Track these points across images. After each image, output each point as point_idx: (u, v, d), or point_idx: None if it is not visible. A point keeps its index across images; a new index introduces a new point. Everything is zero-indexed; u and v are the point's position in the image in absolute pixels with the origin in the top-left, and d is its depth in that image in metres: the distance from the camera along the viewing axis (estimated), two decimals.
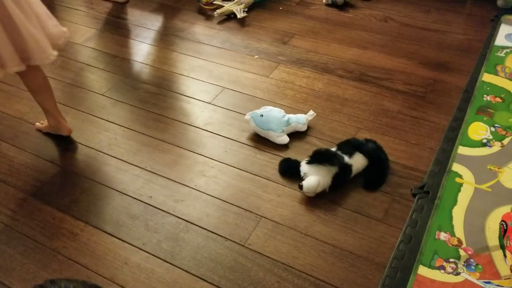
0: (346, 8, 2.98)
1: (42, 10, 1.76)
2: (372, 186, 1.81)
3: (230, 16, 2.93)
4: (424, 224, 1.64)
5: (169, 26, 2.93)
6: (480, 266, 1.50)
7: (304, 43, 2.67)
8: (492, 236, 1.59)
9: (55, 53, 1.80)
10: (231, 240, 1.65)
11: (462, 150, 1.91)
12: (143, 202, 1.80)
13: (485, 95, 2.18)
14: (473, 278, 1.47)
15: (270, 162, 1.93)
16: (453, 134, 2.00)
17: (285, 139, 2.00)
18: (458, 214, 1.67)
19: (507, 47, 2.48)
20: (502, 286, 1.45)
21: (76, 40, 2.79)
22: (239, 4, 2.92)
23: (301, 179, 1.78)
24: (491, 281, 1.46)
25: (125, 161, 1.97)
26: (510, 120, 2.04)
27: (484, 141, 1.95)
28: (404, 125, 2.09)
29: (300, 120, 2.04)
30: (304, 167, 1.79)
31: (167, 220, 1.73)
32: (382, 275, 1.51)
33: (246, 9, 2.93)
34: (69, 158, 2.01)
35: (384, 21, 2.84)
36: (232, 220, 1.72)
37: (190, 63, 2.56)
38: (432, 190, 1.76)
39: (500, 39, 2.55)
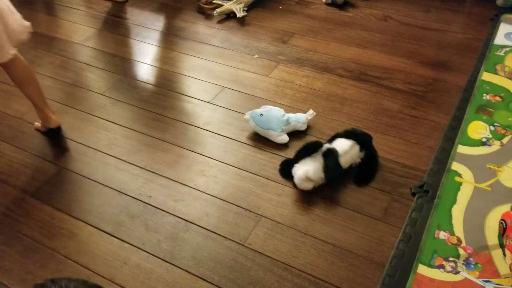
0: (346, 7, 2.97)
1: (4, 5, 1.76)
2: (363, 180, 1.83)
3: (229, 15, 2.93)
4: (423, 223, 1.64)
5: (169, 25, 2.93)
6: (479, 265, 1.50)
7: (304, 42, 2.67)
8: (491, 235, 1.59)
9: (13, 51, 1.82)
10: (230, 240, 1.65)
11: (461, 149, 1.91)
12: (143, 201, 1.80)
13: (484, 94, 2.18)
14: (472, 277, 1.47)
15: (270, 161, 1.93)
16: (453, 133, 1.99)
17: (284, 139, 2.00)
18: (458, 213, 1.67)
19: (506, 46, 2.48)
20: (502, 285, 1.45)
21: (76, 39, 2.79)
22: (238, 3, 2.92)
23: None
24: (490, 280, 1.46)
25: (124, 161, 1.97)
26: (509, 119, 2.04)
27: (484, 140, 1.95)
28: (404, 124, 2.09)
29: (299, 119, 2.04)
30: (295, 169, 1.81)
31: (167, 220, 1.73)
32: (381, 274, 1.51)
33: (245, 8, 2.93)
34: (68, 158, 2.01)
35: (384, 20, 2.84)
36: (232, 219, 1.72)
37: (190, 63, 2.56)
38: (431, 189, 1.76)
39: (500, 38, 2.55)
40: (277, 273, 1.54)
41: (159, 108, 2.25)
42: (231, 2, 2.93)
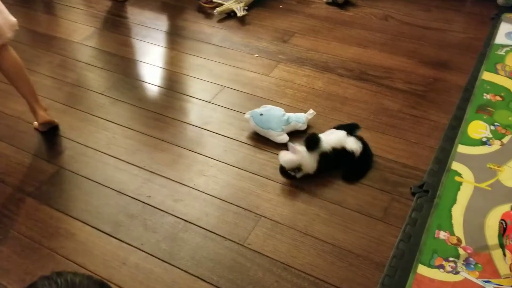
0: (347, 6, 2.97)
1: None
2: (351, 177, 1.84)
3: (230, 15, 2.92)
4: (423, 223, 1.64)
5: (169, 25, 2.93)
6: (479, 265, 1.50)
7: (304, 41, 2.66)
8: (491, 235, 1.58)
9: None
10: (230, 240, 1.64)
11: (461, 148, 1.91)
12: (142, 201, 1.79)
13: (485, 94, 2.17)
14: (472, 277, 1.47)
15: (270, 161, 1.93)
16: (453, 132, 1.99)
17: (285, 138, 1.99)
18: (458, 213, 1.66)
19: (507, 46, 2.47)
20: (502, 285, 1.44)
21: (75, 38, 2.79)
22: (239, 2, 2.92)
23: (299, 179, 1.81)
24: (490, 280, 1.46)
25: (123, 161, 1.96)
26: (509, 118, 2.03)
27: (484, 139, 1.94)
28: (404, 124, 2.08)
29: (300, 119, 2.03)
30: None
31: (166, 220, 1.72)
32: (381, 274, 1.50)
33: (246, 7, 2.93)
34: (67, 157, 2.01)
35: (385, 20, 2.84)
36: (231, 219, 1.71)
37: (190, 62, 2.56)
38: (431, 189, 1.75)
39: (500, 38, 2.54)
40: (277, 273, 1.53)
41: (158, 107, 2.24)
42: (232, 1, 2.93)
